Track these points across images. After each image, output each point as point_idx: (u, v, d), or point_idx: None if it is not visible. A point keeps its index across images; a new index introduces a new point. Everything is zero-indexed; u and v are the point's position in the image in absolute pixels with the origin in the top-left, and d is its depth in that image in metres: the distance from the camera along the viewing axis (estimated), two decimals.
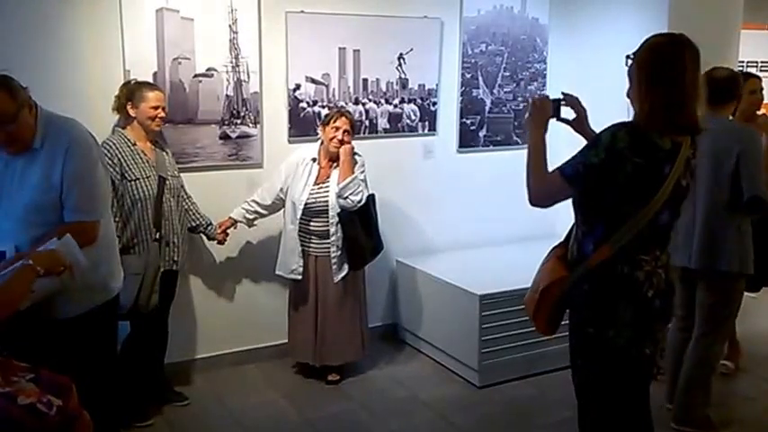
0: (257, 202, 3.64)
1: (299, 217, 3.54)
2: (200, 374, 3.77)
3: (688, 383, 3.17)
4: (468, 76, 4.41)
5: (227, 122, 3.72)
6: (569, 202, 2.22)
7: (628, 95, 2.14)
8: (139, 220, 3.11)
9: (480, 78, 4.45)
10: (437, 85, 4.31)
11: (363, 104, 4.10)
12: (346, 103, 4.02)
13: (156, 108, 3.17)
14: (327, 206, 3.52)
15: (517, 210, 4.66)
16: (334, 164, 3.56)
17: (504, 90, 4.56)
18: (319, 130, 3.64)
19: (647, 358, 2.11)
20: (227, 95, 3.69)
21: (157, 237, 3.15)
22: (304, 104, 3.90)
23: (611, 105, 4.42)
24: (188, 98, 3.60)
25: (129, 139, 3.15)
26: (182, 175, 3.42)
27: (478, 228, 4.54)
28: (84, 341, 2.37)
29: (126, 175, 3.08)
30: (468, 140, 4.48)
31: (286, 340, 3.84)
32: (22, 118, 2.20)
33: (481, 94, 4.47)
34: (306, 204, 3.53)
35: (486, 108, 4.51)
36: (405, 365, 4.00)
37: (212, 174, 3.70)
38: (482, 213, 4.56)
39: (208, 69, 3.62)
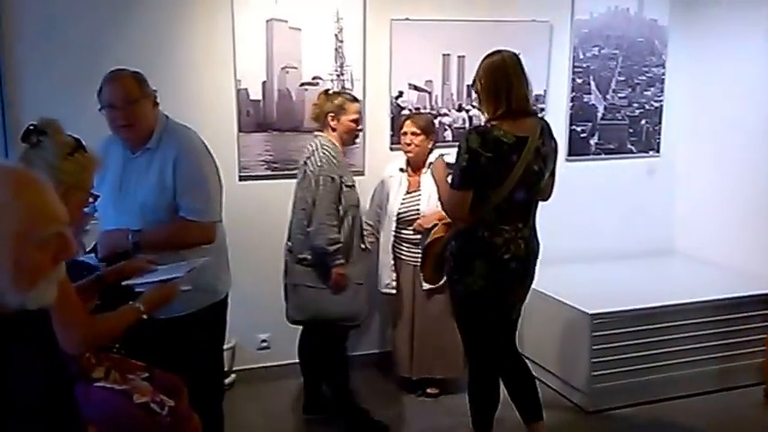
0: (370, 225, 3.67)
1: (393, 228, 3.56)
2: (298, 378, 3.75)
3: None
4: (580, 81, 4.27)
5: None
6: None
7: (478, 108, 2.82)
8: (350, 228, 3.17)
9: (592, 83, 4.30)
10: (545, 90, 4.20)
11: (467, 111, 4.06)
12: (449, 110, 4.01)
13: (355, 121, 3.23)
14: (419, 215, 3.51)
15: (631, 222, 4.53)
16: (422, 170, 3.57)
17: (619, 95, 4.38)
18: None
19: (507, 306, 2.79)
20: None
21: (363, 247, 3.30)
22: (406, 112, 3.91)
23: (737, 111, 4.19)
24: (294, 106, 3.70)
25: (336, 146, 3.19)
26: (286, 181, 3.51)
27: (589, 241, 4.37)
28: (189, 342, 2.47)
29: (343, 179, 3.14)
30: (578, 148, 4.34)
31: (389, 348, 3.87)
32: (144, 107, 2.38)
33: (593, 99, 4.32)
34: (398, 214, 3.54)
35: (599, 114, 4.35)
36: None
37: None
38: (593, 226, 4.39)
39: (314, 78, 3.72)
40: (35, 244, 1.23)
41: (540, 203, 2.81)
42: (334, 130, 3.19)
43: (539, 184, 2.70)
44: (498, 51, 2.70)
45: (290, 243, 3.25)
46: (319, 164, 3.09)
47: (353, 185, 3.20)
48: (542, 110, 4.21)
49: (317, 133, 3.25)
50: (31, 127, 1.95)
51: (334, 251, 3.07)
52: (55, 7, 3.26)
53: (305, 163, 3.16)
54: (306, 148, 3.22)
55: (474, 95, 2.81)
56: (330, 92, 3.30)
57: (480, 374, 2.89)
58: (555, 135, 2.80)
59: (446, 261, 2.83)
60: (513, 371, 2.97)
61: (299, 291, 3.21)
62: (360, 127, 3.27)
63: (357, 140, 3.30)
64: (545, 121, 2.77)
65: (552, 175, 2.80)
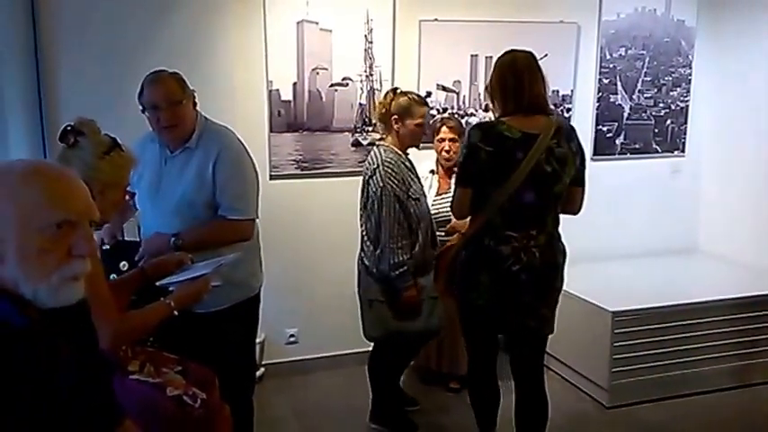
0: None
1: None
2: (325, 372, 3.87)
3: None
4: (606, 81, 4.20)
5: (359, 130, 3.80)
6: None
7: (491, 108, 2.62)
8: (424, 239, 3.00)
9: (619, 84, 4.22)
10: (572, 91, 4.14)
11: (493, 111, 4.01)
12: (476, 110, 3.97)
13: (419, 126, 2.98)
14: (450, 216, 3.47)
15: (655, 221, 4.46)
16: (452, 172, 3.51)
17: (645, 96, 4.30)
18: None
19: (511, 323, 2.53)
20: (360, 104, 3.76)
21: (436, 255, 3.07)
22: (434, 112, 3.88)
23: (763, 112, 4.07)
24: (324, 107, 3.71)
25: (400, 155, 2.98)
26: (316, 180, 3.51)
27: (613, 239, 4.32)
28: (223, 336, 2.50)
29: (410, 193, 2.95)
30: (603, 148, 4.27)
31: None
32: (187, 107, 2.41)
33: (619, 99, 4.25)
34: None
35: (625, 114, 4.28)
36: None
37: (344, 180, 3.77)
38: (617, 224, 4.33)
39: (343, 79, 3.71)
40: (40, 230, 1.20)
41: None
42: (397, 133, 2.99)
43: (553, 188, 2.45)
44: (511, 51, 2.53)
45: (362, 254, 3.07)
46: (381, 184, 2.89)
47: (421, 195, 3.02)
48: (569, 110, 4.16)
49: (378, 142, 3.07)
50: (69, 127, 1.97)
51: (397, 275, 2.89)
52: (91, 11, 3.28)
53: (367, 182, 2.98)
54: (368, 161, 3.02)
55: (486, 95, 2.68)
56: (398, 91, 3.03)
57: (479, 376, 2.75)
58: (579, 137, 2.55)
59: (456, 272, 2.65)
60: (531, 404, 2.70)
61: (375, 306, 3.02)
62: (425, 131, 3.07)
63: (416, 144, 3.07)
64: (566, 123, 2.58)
65: (580, 184, 2.55)
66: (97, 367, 1.46)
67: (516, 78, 2.45)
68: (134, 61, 3.22)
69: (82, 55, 3.29)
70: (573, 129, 2.55)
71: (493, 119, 2.58)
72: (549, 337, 3.87)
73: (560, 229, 2.60)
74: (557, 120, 2.51)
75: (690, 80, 4.37)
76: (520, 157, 2.38)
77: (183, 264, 2.22)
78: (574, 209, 2.61)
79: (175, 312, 1.99)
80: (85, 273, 1.27)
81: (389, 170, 2.91)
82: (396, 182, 2.90)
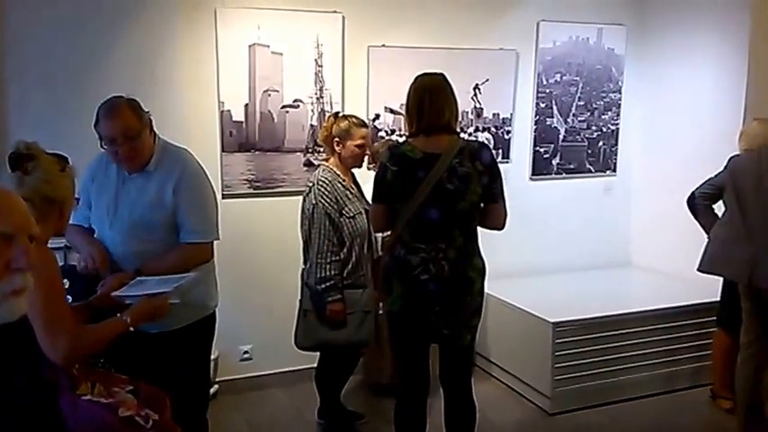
0: None
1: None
2: (280, 388, 3.80)
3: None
4: (543, 105, 4.32)
5: (310, 150, 3.78)
6: None
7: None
8: (359, 255, 3.01)
9: (555, 108, 4.35)
10: (511, 114, 4.24)
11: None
12: None
13: (360, 146, 3.03)
14: None
15: (590, 237, 4.59)
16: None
17: (579, 119, 4.44)
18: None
19: (430, 325, 2.52)
20: (311, 125, 3.76)
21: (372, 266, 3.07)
22: (383, 133, 3.91)
23: (685, 133, 4.27)
24: (276, 128, 3.68)
25: (338, 174, 3.02)
26: (268, 199, 3.47)
27: (550, 254, 4.43)
28: (178, 356, 2.41)
29: (344, 212, 2.98)
30: (541, 168, 4.38)
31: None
32: (145, 137, 2.31)
33: (555, 122, 4.37)
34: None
35: (560, 137, 4.40)
36: (475, 388, 3.86)
37: (296, 198, 3.67)
38: (554, 240, 4.44)
39: (294, 101, 3.70)
40: None
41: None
42: (339, 154, 3.05)
43: (457, 205, 2.45)
44: (422, 74, 2.58)
45: (303, 266, 3.12)
46: (314, 202, 2.95)
47: (358, 214, 2.99)
48: (509, 132, 4.25)
49: (319, 163, 3.09)
50: (14, 155, 1.87)
51: (323, 289, 2.94)
52: (39, 34, 3.18)
53: (303, 200, 3.05)
54: (308, 182, 3.09)
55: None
56: (339, 115, 3.11)
57: (405, 399, 2.72)
58: (492, 156, 2.53)
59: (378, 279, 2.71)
60: (459, 412, 2.73)
61: (309, 317, 3.06)
62: (367, 151, 3.11)
63: (363, 164, 3.15)
64: (472, 142, 2.59)
65: (496, 201, 2.54)
66: (40, 388, 1.39)
67: (417, 100, 2.51)
68: (84, 82, 3.13)
69: (30, 77, 3.17)
70: (481, 148, 2.54)
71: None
72: (495, 346, 3.97)
73: (479, 245, 2.58)
74: (462, 140, 2.55)
75: (620, 104, 4.54)
76: (421, 176, 2.44)
77: (124, 284, 2.15)
78: (495, 225, 2.58)
79: (131, 329, 1.94)
80: (27, 287, 1.20)
81: (323, 189, 2.96)
82: (328, 200, 2.95)
